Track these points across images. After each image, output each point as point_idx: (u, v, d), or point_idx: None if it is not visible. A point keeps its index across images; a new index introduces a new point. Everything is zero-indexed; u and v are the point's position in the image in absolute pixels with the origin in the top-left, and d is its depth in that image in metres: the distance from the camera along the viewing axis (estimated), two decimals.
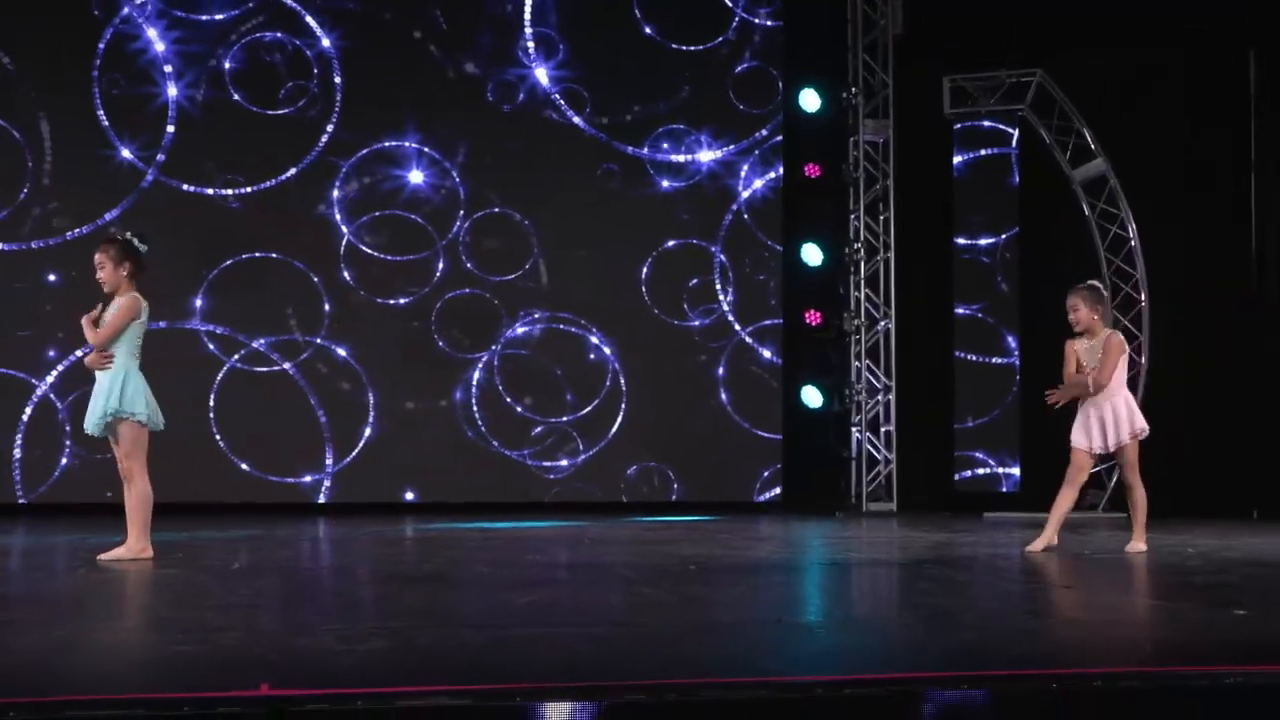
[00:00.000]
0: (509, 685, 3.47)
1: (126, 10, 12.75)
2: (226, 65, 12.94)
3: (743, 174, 13.96)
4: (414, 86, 13.43)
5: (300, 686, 3.46)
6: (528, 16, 13.59)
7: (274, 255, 12.98)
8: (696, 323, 13.82)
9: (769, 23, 14.08)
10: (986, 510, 12.83)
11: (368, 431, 13.08)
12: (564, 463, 13.51)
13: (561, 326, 13.58)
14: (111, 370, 7.39)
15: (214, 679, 3.69)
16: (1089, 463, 8.53)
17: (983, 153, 14.43)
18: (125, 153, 12.70)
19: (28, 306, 12.54)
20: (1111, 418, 8.34)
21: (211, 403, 12.71)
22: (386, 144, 13.24)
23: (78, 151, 12.64)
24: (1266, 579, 6.77)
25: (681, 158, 13.81)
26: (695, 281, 13.82)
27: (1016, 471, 13.94)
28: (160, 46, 12.81)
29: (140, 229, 7.71)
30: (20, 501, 12.37)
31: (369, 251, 13.15)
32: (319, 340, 13.02)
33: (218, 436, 12.71)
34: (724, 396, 13.85)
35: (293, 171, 13.03)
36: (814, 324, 13.82)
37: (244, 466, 12.77)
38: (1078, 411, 8.55)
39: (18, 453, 12.40)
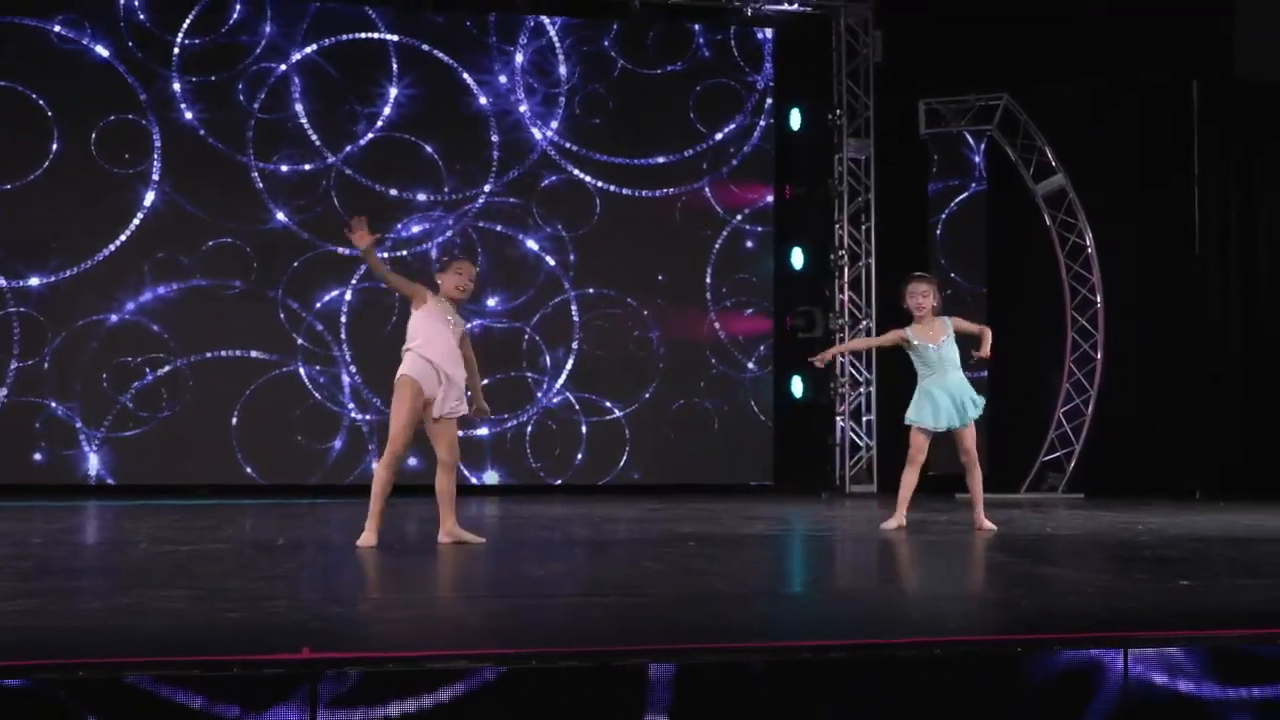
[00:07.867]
0: (526, 650, 3.46)
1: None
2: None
3: (736, 190, 13.93)
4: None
5: (337, 650, 3.45)
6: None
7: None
8: (703, 320, 13.81)
9: (765, 57, 14.09)
10: (957, 492, 12.77)
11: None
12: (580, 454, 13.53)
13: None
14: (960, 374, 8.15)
15: (260, 643, 3.69)
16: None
17: (955, 176, 14.42)
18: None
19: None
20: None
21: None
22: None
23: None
24: (1207, 553, 6.76)
25: (682, 172, 13.82)
26: (699, 284, 13.81)
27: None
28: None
29: None
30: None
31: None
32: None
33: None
34: (722, 390, 13.82)
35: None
36: (786, 327, 13.92)
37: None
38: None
39: None
